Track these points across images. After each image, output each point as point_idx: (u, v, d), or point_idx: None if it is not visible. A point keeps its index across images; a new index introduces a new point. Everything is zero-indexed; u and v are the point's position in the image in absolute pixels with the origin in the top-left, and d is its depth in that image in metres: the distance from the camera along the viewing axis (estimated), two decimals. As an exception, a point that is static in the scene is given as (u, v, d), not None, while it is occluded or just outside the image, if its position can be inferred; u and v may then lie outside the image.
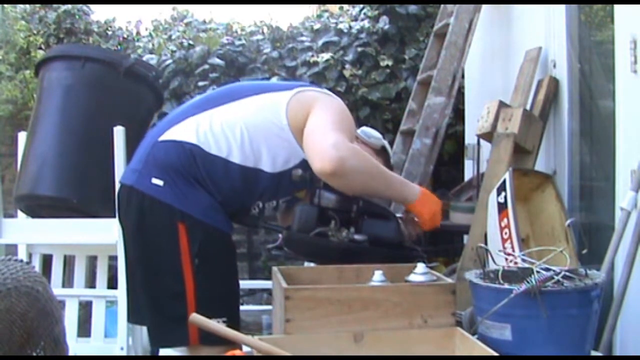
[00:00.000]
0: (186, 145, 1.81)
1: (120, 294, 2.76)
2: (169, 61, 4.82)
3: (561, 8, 2.98)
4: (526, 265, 1.54)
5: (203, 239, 1.78)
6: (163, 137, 1.85)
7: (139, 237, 1.84)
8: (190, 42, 4.95)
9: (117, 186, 1.96)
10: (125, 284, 2.09)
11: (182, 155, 1.80)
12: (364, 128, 2.11)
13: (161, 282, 1.81)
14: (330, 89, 2.11)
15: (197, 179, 1.80)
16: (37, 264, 3.00)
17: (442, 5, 3.84)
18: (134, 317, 2.03)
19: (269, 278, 3.76)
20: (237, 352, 1.36)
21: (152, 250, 1.82)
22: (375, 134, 2.09)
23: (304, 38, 5.04)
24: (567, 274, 1.43)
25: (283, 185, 1.89)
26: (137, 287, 1.90)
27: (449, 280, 1.61)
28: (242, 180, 1.84)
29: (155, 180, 1.79)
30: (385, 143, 2.10)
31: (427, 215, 1.89)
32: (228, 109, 1.87)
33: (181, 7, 5.73)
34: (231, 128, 1.83)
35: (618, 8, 2.45)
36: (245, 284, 4.04)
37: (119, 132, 2.72)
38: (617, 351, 2.28)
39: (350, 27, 4.99)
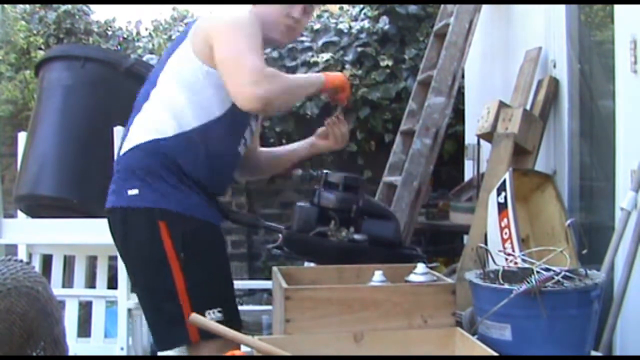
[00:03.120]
0: (143, 146, 1.81)
1: (120, 294, 2.76)
2: (169, 61, 4.82)
3: (561, 8, 2.98)
4: (526, 265, 1.54)
5: (186, 232, 1.77)
6: (122, 151, 1.87)
7: (126, 251, 1.85)
8: (190, 42, 4.95)
9: None
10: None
11: (145, 156, 1.81)
12: None
13: (154, 286, 1.81)
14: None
15: (168, 171, 1.79)
16: (37, 264, 3.00)
17: (442, 5, 3.84)
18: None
19: (269, 278, 3.76)
20: (237, 352, 1.36)
21: (139, 258, 1.82)
22: None
23: (304, 38, 5.04)
24: (567, 274, 1.43)
25: (238, 117, 1.88)
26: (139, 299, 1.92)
27: (449, 280, 1.61)
28: (206, 139, 1.83)
29: (131, 192, 1.79)
30: None
31: (339, 82, 2.00)
32: (156, 93, 1.86)
33: (181, 7, 5.72)
34: (169, 103, 1.83)
35: (618, 8, 2.45)
36: (245, 284, 4.04)
37: (119, 132, 2.72)
38: (617, 351, 2.28)
39: (350, 27, 4.99)
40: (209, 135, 1.82)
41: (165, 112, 1.82)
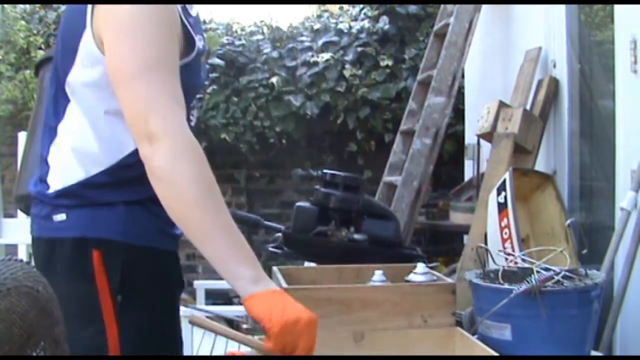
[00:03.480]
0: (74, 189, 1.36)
1: (120, 294, 2.76)
2: (169, 61, 4.82)
3: (561, 8, 2.98)
4: (526, 265, 1.54)
5: (125, 266, 1.33)
6: (49, 180, 1.41)
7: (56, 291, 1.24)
8: (190, 42, 4.95)
9: None
10: None
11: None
12: None
13: (80, 338, 1.26)
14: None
15: (101, 186, 1.36)
16: (37, 264, 3.00)
17: (442, 5, 3.84)
18: None
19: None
20: (237, 352, 1.36)
21: (66, 300, 1.18)
22: None
23: (304, 38, 5.04)
24: (567, 274, 1.43)
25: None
26: None
27: (449, 280, 1.61)
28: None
29: (56, 217, 1.36)
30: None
31: (264, 316, 1.15)
32: (75, 112, 1.39)
33: (181, 7, 5.72)
34: (92, 125, 1.35)
35: (618, 8, 2.45)
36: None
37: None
38: (617, 351, 2.28)
39: (350, 27, 4.99)
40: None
41: (92, 138, 1.36)
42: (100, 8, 1.27)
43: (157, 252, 1.39)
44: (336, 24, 5.08)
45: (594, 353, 1.55)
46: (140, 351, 1.32)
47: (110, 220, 1.34)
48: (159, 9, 1.26)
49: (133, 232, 1.35)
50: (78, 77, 1.36)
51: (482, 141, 3.32)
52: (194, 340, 2.51)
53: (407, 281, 1.59)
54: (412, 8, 4.90)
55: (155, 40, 1.25)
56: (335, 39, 4.94)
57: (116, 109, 1.29)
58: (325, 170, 1.95)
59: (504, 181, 2.08)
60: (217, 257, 1.19)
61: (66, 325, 1.13)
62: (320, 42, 4.94)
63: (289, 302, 1.16)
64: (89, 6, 1.29)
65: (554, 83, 3.00)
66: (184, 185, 1.17)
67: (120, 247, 1.33)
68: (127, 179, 1.35)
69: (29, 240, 1.53)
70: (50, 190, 1.39)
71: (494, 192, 2.13)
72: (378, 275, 1.59)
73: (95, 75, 1.32)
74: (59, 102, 1.44)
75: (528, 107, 2.99)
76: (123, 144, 1.34)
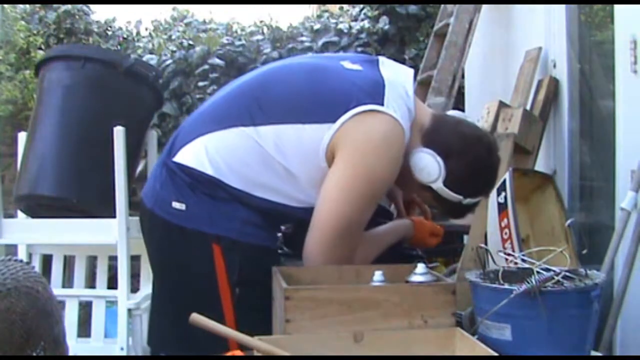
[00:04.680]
0: (199, 175, 1.57)
1: (120, 294, 2.76)
2: (169, 61, 4.83)
3: (561, 8, 2.98)
4: (526, 265, 1.54)
5: (243, 263, 1.55)
6: (176, 159, 1.62)
7: (167, 272, 1.63)
8: (190, 42, 4.95)
9: (140, 201, 1.71)
10: (151, 306, 1.82)
11: (199, 178, 1.57)
12: (456, 115, 1.72)
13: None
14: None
15: (223, 190, 1.56)
16: (37, 264, 3.00)
17: (442, 5, 3.84)
18: (156, 343, 1.75)
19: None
20: (237, 352, 1.36)
21: (184, 284, 1.58)
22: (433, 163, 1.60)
23: (304, 38, 5.04)
24: (567, 274, 1.42)
25: None
26: (164, 317, 1.66)
27: (449, 280, 1.61)
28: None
29: (176, 205, 1.56)
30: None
31: (425, 236, 1.88)
32: (251, 140, 1.55)
33: (181, 7, 5.73)
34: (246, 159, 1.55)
35: (618, 8, 2.45)
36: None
37: (119, 132, 2.72)
38: (617, 351, 2.28)
39: (350, 27, 5.00)
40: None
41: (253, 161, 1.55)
42: (348, 135, 1.50)
43: (268, 250, 1.60)
44: (336, 24, 5.08)
45: (594, 353, 1.55)
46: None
47: (228, 218, 1.52)
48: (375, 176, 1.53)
49: (248, 231, 1.54)
50: (274, 133, 1.53)
51: (482, 141, 3.32)
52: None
53: (407, 281, 1.59)
54: (412, 8, 4.90)
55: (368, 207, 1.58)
56: (335, 39, 4.94)
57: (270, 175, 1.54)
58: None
59: (504, 181, 2.08)
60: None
61: (178, 304, 1.49)
62: (320, 42, 4.94)
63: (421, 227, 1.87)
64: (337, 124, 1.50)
65: (554, 83, 3.00)
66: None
67: (238, 245, 1.52)
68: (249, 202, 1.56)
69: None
70: (176, 159, 1.57)
71: (494, 192, 2.13)
72: (378, 276, 1.59)
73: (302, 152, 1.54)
74: (249, 114, 1.57)
75: (528, 107, 2.99)
76: (257, 187, 1.55)
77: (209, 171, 1.55)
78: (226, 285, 1.52)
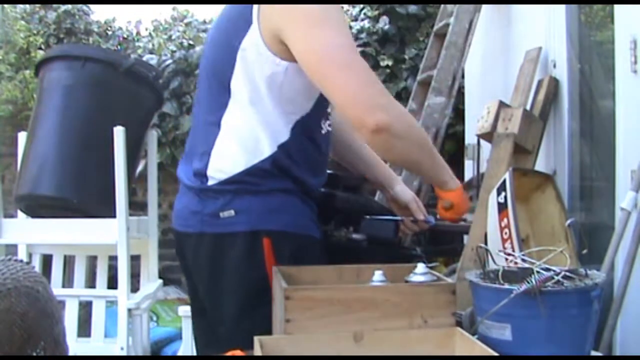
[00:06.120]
0: (238, 177, 1.57)
1: (120, 294, 2.76)
2: (169, 61, 4.83)
3: (561, 8, 2.98)
4: (526, 265, 1.54)
5: (292, 253, 1.58)
6: (210, 173, 1.59)
7: (217, 282, 1.61)
8: (191, 42, 4.95)
9: (175, 232, 1.71)
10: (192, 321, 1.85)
11: (236, 179, 1.57)
12: None
13: (253, 316, 1.57)
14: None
15: (264, 174, 1.56)
16: (37, 264, 3.00)
17: (442, 5, 3.85)
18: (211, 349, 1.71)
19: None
20: (237, 352, 1.36)
21: (235, 286, 1.59)
22: None
23: (304, 38, 5.04)
24: (567, 274, 1.42)
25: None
26: (218, 324, 1.65)
27: (449, 280, 1.61)
28: (303, 139, 1.59)
29: (224, 214, 1.57)
30: None
31: (460, 203, 1.79)
32: (239, 104, 1.56)
33: (181, 7, 5.73)
34: (260, 117, 1.55)
35: (618, 8, 2.45)
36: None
37: (119, 132, 2.72)
38: (617, 351, 2.28)
39: (350, 27, 4.99)
40: (305, 135, 1.59)
41: (258, 129, 1.55)
42: (275, 7, 1.45)
43: (314, 240, 1.64)
44: (336, 24, 5.08)
45: (594, 353, 1.55)
46: None
47: (277, 212, 1.56)
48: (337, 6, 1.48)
49: (297, 222, 1.59)
50: (241, 73, 1.52)
51: (482, 141, 3.32)
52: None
53: (407, 281, 1.59)
54: (412, 8, 4.90)
55: (346, 31, 1.48)
56: (335, 39, 4.94)
57: (280, 99, 1.52)
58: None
59: (504, 181, 2.08)
60: (434, 175, 1.71)
61: (240, 306, 1.53)
62: (320, 42, 4.94)
63: (465, 195, 1.80)
64: (255, 7, 1.47)
65: (554, 83, 3.00)
66: (416, 139, 1.56)
67: (287, 236, 1.56)
68: (285, 168, 1.57)
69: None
70: (211, 182, 1.58)
71: (494, 192, 2.13)
72: (378, 275, 1.59)
73: (267, 71, 1.49)
74: (218, 98, 1.58)
75: (528, 107, 2.99)
76: (281, 133, 1.55)
77: (241, 167, 1.56)
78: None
